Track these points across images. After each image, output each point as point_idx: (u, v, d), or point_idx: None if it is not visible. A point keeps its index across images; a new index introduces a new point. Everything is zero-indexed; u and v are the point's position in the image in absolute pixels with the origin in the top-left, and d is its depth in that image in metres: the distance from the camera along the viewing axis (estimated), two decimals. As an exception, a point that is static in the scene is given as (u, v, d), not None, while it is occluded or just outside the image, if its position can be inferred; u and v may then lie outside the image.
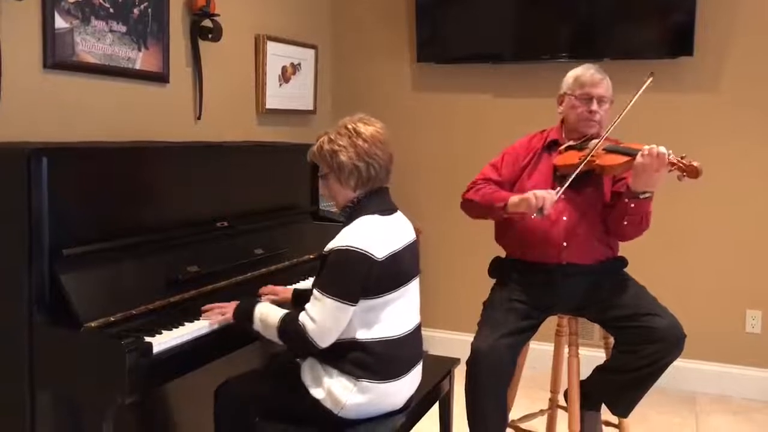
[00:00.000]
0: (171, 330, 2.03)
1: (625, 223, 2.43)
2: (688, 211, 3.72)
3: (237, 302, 2.15)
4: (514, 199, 2.45)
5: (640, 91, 2.48)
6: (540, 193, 2.37)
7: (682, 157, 2.28)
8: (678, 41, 3.60)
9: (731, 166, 3.63)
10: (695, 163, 2.26)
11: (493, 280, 2.70)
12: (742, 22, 3.58)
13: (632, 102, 2.47)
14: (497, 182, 2.62)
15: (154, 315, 2.08)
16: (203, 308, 2.16)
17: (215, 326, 2.12)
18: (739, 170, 3.63)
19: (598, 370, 2.62)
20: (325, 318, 1.95)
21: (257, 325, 2.07)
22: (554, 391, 2.88)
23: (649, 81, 2.48)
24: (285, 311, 2.05)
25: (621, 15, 3.70)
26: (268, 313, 2.06)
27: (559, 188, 2.42)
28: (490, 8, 3.91)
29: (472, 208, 2.61)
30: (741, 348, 3.68)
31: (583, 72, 2.60)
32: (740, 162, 3.63)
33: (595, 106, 2.55)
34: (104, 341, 1.86)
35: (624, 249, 2.64)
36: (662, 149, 2.28)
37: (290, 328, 1.99)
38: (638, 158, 2.31)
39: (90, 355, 1.86)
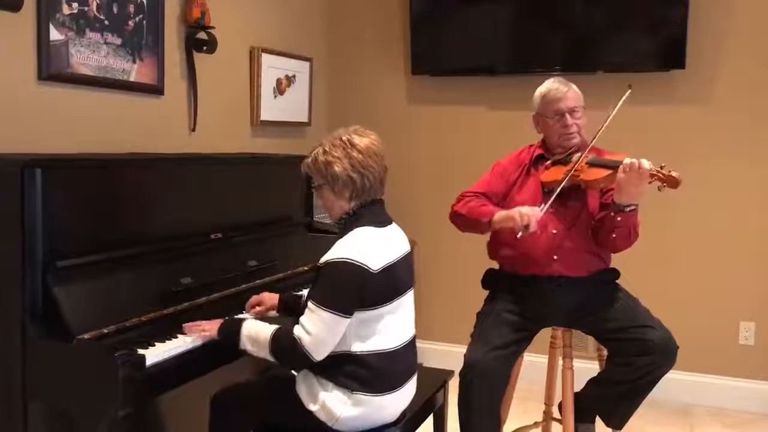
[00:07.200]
0: (164, 342, 2.02)
1: (614, 236, 2.43)
2: (680, 223, 3.73)
3: (220, 320, 2.11)
4: (500, 215, 2.46)
5: (620, 104, 2.49)
6: (525, 210, 2.38)
7: (661, 167, 2.29)
8: (670, 54, 3.63)
9: (724, 178, 3.66)
10: (674, 174, 2.26)
11: (487, 292, 2.71)
12: (733, 34, 3.61)
13: (611, 115, 2.48)
14: (486, 195, 2.63)
15: (148, 327, 2.08)
16: (184, 325, 2.12)
17: (207, 339, 2.10)
18: (732, 182, 3.65)
19: (592, 382, 2.63)
20: (320, 330, 1.94)
21: (244, 344, 2.03)
22: (548, 403, 2.88)
23: (627, 93, 2.48)
24: (275, 326, 2.02)
25: (614, 28, 3.73)
26: (258, 331, 2.02)
27: (543, 204, 2.43)
28: (485, 21, 3.94)
29: (460, 220, 2.63)
30: (735, 360, 3.68)
31: (548, 89, 2.60)
32: (733, 174, 3.64)
33: (569, 120, 2.56)
34: (97, 353, 1.85)
35: (617, 261, 2.64)
36: (644, 163, 2.28)
37: (284, 342, 1.97)
38: (619, 173, 2.32)
39: (83, 368, 1.85)
